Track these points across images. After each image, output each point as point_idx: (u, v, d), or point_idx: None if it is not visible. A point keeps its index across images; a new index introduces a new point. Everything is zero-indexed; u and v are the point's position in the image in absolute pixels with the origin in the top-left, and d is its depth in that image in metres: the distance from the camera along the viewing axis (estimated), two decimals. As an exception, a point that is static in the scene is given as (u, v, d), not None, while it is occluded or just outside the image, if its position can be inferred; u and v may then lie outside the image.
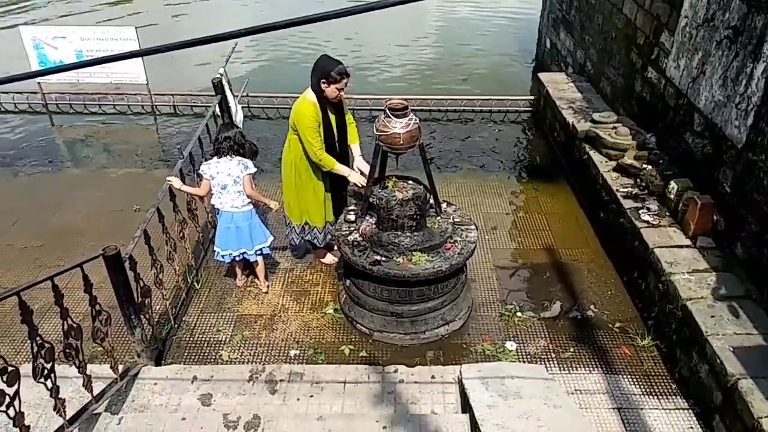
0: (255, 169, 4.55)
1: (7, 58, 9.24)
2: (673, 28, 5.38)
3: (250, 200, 4.56)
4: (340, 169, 4.57)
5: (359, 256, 4.25)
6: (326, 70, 4.32)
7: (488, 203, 6.41)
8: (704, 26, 4.85)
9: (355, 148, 4.84)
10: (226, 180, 4.46)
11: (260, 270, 4.94)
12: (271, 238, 4.83)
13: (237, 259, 4.80)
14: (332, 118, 4.57)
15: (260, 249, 4.77)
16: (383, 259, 4.20)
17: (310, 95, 4.43)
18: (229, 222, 4.59)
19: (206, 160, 4.66)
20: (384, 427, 3.38)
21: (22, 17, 13.24)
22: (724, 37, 4.57)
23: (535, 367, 4.01)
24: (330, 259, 5.34)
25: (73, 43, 8.30)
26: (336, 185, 4.80)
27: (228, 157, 4.46)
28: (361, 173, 4.63)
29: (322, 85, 4.35)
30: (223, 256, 4.73)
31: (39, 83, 8.73)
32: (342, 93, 4.44)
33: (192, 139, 5.23)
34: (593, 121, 6.17)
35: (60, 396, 3.16)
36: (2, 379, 2.72)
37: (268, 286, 5.03)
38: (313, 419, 3.49)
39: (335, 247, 5.19)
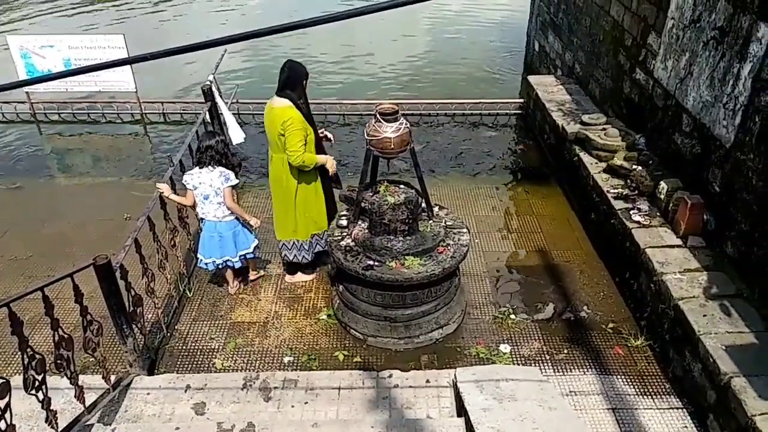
0: (236, 181, 4.53)
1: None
2: (660, 29, 5.42)
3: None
4: (321, 159, 4.55)
5: (352, 261, 4.24)
6: (305, 72, 4.44)
7: (480, 206, 6.43)
8: (691, 27, 4.89)
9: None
10: (208, 190, 4.44)
11: (231, 275, 4.97)
12: (255, 241, 4.81)
13: (220, 267, 4.79)
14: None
15: (244, 254, 4.76)
16: (376, 263, 4.19)
17: (288, 103, 4.33)
18: (213, 231, 4.59)
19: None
20: (379, 433, 3.37)
21: (8, 26, 13.18)
22: (710, 37, 4.61)
23: (529, 370, 4.01)
24: (299, 278, 5.22)
25: (61, 51, 8.26)
26: (327, 191, 4.82)
27: (209, 167, 4.43)
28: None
29: (300, 88, 4.41)
30: (206, 264, 4.72)
31: (27, 92, 8.68)
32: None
33: (182, 146, 5.22)
34: (583, 123, 6.20)
35: (52, 407, 3.13)
36: (-7, 391, 2.69)
37: (239, 289, 5.06)
38: (308, 426, 3.46)
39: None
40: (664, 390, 4.07)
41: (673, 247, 4.55)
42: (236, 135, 6.37)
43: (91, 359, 3.72)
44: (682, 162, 5.06)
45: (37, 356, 2.96)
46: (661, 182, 4.93)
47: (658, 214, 4.91)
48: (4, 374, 2.84)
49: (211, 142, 4.44)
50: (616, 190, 5.25)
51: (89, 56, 8.23)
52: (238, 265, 4.79)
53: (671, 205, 4.77)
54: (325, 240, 4.74)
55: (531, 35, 10.35)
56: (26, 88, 8.50)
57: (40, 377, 3.01)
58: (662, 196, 4.88)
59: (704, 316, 3.89)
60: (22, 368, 2.92)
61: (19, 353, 2.89)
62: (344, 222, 4.56)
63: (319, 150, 4.65)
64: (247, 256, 4.82)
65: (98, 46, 8.22)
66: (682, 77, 5.02)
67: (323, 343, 4.57)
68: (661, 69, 5.41)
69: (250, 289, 5.09)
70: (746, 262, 4.15)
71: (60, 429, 3.23)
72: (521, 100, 8.65)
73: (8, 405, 2.77)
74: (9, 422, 2.80)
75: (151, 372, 4.21)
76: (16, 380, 2.89)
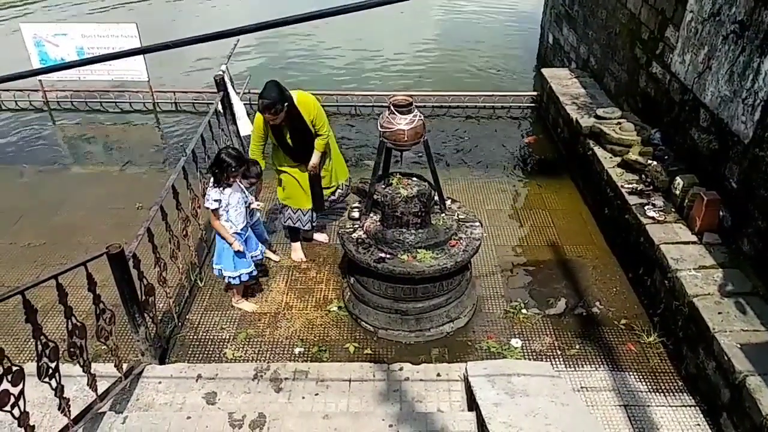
0: (209, 205, 4.31)
1: (8, 56, 9.21)
2: (678, 22, 5.35)
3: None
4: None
5: (364, 254, 4.23)
6: (258, 97, 4.48)
7: (492, 200, 6.39)
8: (710, 21, 4.82)
9: (315, 154, 4.83)
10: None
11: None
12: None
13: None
14: (285, 131, 4.68)
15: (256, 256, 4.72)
16: (388, 256, 4.18)
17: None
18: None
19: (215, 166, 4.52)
20: (390, 426, 3.37)
21: (21, 12, 13.22)
22: (730, 31, 4.54)
23: (541, 365, 3.98)
24: (298, 256, 5.40)
25: (74, 40, 8.28)
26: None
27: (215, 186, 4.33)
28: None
29: None
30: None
31: (40, 81, 8.71)
32: (276, 120, 4.54)
33: (195, 136, 5.20)
34: (597, 117, 6.14)
35: (64, 395, 3.14)
36: (7, 378, 2.70)
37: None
38: (319, 417, 3.47)
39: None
40: (676, 387, 4.04)
41: (688, 243, 4.50)
42: (244, 127, 6.36)
43: (103, 347, 3.73)
44: (698, 157, 4.99)
45: (51, 344, 2.97)
46: (677, 178, 4.87)
47: (673, 210, 4.86)
48: (17, 361, 2.84)
49: (220, 159, 4.25)
50: (630, 185, 5.20)
51: (102, 45, 8.25)
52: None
53: (687, 201, 4.71)
54: (300, 220, 5.10)
55: (545, 27, 10.26)
56: (39, 77, 8.52)
57: (53, 365, 3.02)
58: (678, 192, 4.82)
59: (719, 313, 3.85)
60: (34, 355, 2.93)
61: (32, 341, 2.90)
62: (356, 214, 4.55)
63: (294, 156, 4.85)
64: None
65: (111, 35, 8.23)
66: (700, 71, 4.95)
67: (334, 335, 4.57)
68: (678, 63, 5.34)
69: (261, 281, 5.08)
70: (763, 260, 4.09)
71: (73, 416, 3.25)
72: (535, 93, 8.58)
73: (22, 392, 2.79)
74: (23, 409, 2.81)
75: (162, 361, 4.23)
76: (29, 367, 2.91)
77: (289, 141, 4.75)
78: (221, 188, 4.30)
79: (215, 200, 4.28)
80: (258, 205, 4.77)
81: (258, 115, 4.67)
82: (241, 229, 4.48)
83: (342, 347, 4.44)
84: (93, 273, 3.31)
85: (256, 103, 8.33)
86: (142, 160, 7.47)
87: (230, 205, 4.34)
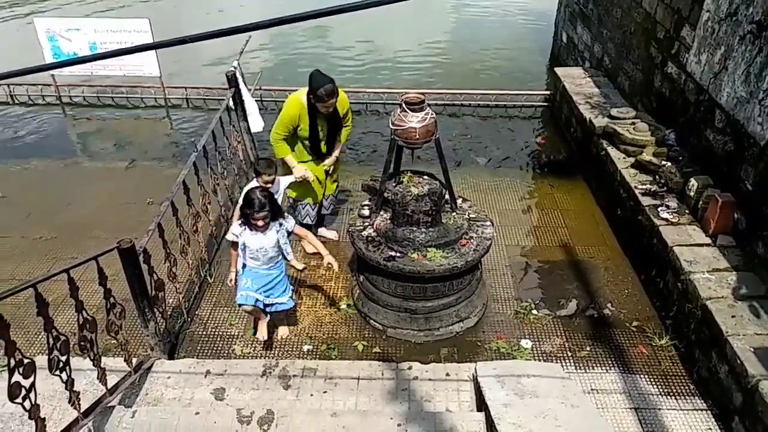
0: (228, 234, 4.09)
1: (21, 50, 9.26)
2: (694, 22, 5.28)
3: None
4: (288, 160, 4.82)
5: (373, 252, 4.22)
6: (313, 88, 4.42)
7: (503, 199, 6.35)
8: (727, 21, 4.75)
9: (337, 146, 4.96)
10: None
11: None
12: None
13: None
14: (321, 123, 4.68)
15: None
16: (398, 254, 4.16)
17: (303, 96, 4.55)
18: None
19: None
20: (399, 425, 3.35)
21: (36, 8, 13.29)
22: (747, 31, 4.48)
23: (551, 366, 3.96)
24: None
25: (87, 35, 8.32)
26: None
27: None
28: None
29: (311, 99, 4.48)
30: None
31: (53, 75, 8.76)
32: (331, 108, 4.54)
33: (206, 133, 5.21)
34: (611, 117, 6.09)
35: (74, 388, 3.15)
36: (19, 371, 2.71)
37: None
38: (327, 415, 3.46)
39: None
40: (688, 391, 4.00)
41: (701, 245, 4.45)
42: (255, 123, 6.36)
43: (113, 342, 3.74)
44: (713, 159, 4.94)
45: (62, 337, 2.98)
46: (691, 179, 4.82)
47: (687, 211, 4.80)
48: (28, 354, 2.85)
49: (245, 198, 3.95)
50: (644, 186, 5.15)
51: (114, 40, 8.28)
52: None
53: (701, 202, 4.66)
54: (310, 215, 5.16)
55: (559, 26, 10.19)
56: (52, 71, 8.57)
57: (64, 358, 3.03)
58: (692, 194, 4.77)
59: (732, 316, 3.80)
60: (45, 348, 2.94)
61: (43, 334, 2.90)
62: (366, 212, 4.53)
63: (318, 150, 4.86)
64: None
65: (123, 30, 8.26)
66: (717, 72, 4.89)
67: (343, 333, 4.56)
68: (694, 63, 5.28)
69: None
70: (778, 263, 4.05)
71: (82, 410, 3.25)
72: (547, 92, 8.52)
73: (33, 385, 2.80)
74: (33, 402, 2.82)
75: (171, 356, 4.24)
76: (40, 360, 2.91)
77: (323, 134, 4.77)
78: (243, 226, 3.99)
79: (234, 233, 4.02)
80: (309, 174, 4.77)
81: (291, 103, 4.59)
82: (251, 271, 4.10)
83: (351, 345, 4.43)
84: (104, 267, 3.32)
85: (268, 100, 8.42)
86: (152, 155, 7.49)
87: (247, 247, 3.99)
